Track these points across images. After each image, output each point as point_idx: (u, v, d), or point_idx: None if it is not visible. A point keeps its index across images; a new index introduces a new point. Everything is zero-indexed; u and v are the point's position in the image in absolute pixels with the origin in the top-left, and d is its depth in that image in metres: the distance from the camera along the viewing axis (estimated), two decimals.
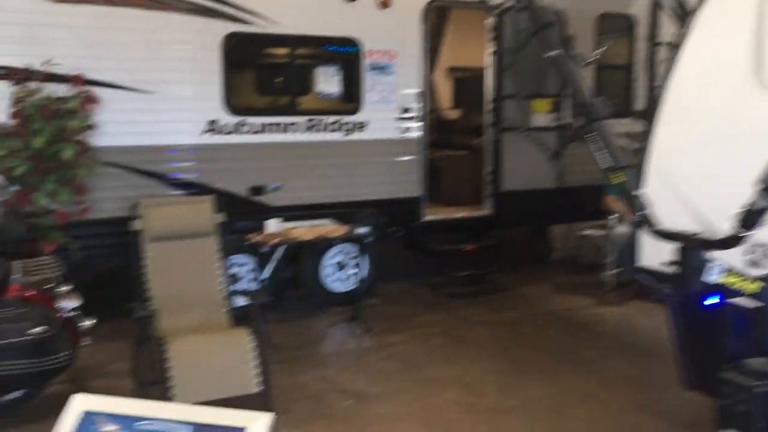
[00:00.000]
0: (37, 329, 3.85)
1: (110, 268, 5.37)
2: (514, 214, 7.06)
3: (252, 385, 4.06)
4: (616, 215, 6.47)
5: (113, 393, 4.52)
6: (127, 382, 4.63)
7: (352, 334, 5.78)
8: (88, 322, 4.28)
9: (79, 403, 1.85)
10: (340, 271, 6.34)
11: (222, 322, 4.54)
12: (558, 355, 5.20)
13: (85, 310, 4.31)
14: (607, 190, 6.60)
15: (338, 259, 6.32)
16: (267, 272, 5.77)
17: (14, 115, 4.85)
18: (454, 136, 8.10)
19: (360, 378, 4.83)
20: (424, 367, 5.01)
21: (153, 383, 4.13)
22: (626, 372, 4.85)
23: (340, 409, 4.35)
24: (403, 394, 4.56)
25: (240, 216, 5.51)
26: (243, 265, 5.86)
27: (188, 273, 4.63)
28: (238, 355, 4.09)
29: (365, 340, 5.58)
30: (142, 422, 1.79)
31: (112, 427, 1.80)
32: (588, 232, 6.91)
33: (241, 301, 5.05)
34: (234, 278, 4.72)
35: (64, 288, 4.28)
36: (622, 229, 6.35)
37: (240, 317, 4.70)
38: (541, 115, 7.02)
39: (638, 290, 6.35)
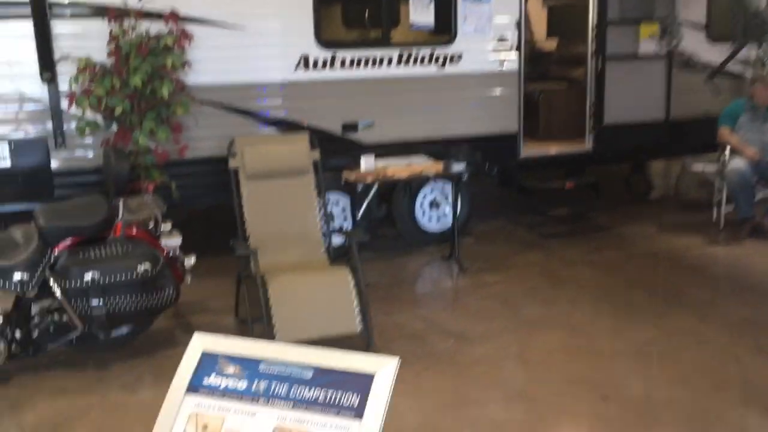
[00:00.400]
0: (144, 267, 3.88)
1: (208, 207, 5.40)
2: (616, 149, 6.71)
3: (353, 324, 4.01)
4: (730, 149, 6.06)
5: (216, 329, 4.59)
6: (229, 319, 4.69)
7: (447, 273, 5.67)
8: (189, 260, 4.30)
9: (198, 344, 1.79)
10: (434, 210, 6.20)
11: (320, 260, 4.49)
12: (667, 296, 4.94)
13: (184, 249, 4.33)
14: (722, 122, 6.17)
15: (432, 197, 6.18)
16: (361, 211, 5.68)
17: (111, 54, 4.84)
18: (551, 68, 7.72)
19: (459, 318, 4.73)
20: (524, 307, 4.85)
21: (254, 320, 4.14)
22: (744, 314, 4.57)
23: (441, 349, 4.27)
24: (504, 335, 4.43)
25: (333, 154, 5.40)
26: (336, 203, 5.79)
27: (286, 211, 4.58)
28: (339, 294, 4.03)
29: (461, 279, 5.46)
30: (264, 364, 1.72)
31: (233, 368, 1.73)
32: (699, 166, 6.50)
33: (336, 240, 4.99)
34: (328, 217, 4.66)
35: (166, 226, 4.30)
36: (738, 163, 5.94)
37: (336, 256, 4.65)
38: (649, 41, 6.56)
39: (754, 228, 5.97)
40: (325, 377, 1.66)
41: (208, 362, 1.76)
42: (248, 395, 1.69)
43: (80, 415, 3.64)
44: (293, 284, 4.04)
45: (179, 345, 4.38)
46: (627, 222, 6.68)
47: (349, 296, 4.02)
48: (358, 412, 1.59)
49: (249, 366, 1.73)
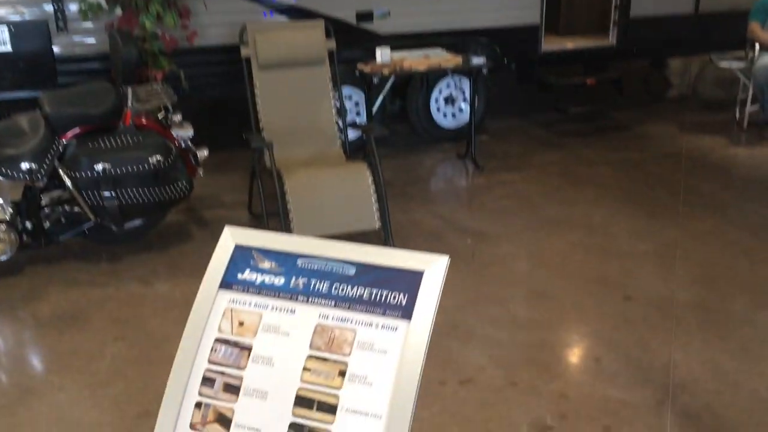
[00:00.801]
0: (157, 158, 3.74)
1: (219, 98, 5.20)
2: (641, 44, 6.43)
3: (372, 221, 3.92)
4: (759, 45, 5.80)
5: (230, 224, 4.51)
6: (242, 214, 4.60)
7: (463, 171, 5.53)
8: (202, 153, 4.16)
9: (230, 237, 1.67)
10: (450, 106, 6.00)
11: (336, 155, 4.35)
12: (690, 198, 4.82)
13: (195, 141, 4.18)
14: (753, 17, 5.88)
15: (448, 92, 5.96)
16: (376, 105, 5.48)
17: None
18: None
19: (477, 216, 4.63)
20: (543, 207, 4.75)
21: (269, 216, 4.04)
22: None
23: (459, 247, 4.19)
24: (524, 234, 4.34)
25: (346, 45, 5.15)
26: (349, 98, 5.59)
27: (300, 103, 4.40)
28: (358, 190, 3.91)
29: (478, 177, 5.33)
30: (302, 259, 1.60)
31: (269, 263, 1.62)
32: (726, 63, 6.24)
33: (351, 135, 4.83)
34: (343, 111, 4.47)
35: (177, 117, 4.13)
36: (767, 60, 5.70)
37: (351, 151, 4.50)
38: None
39: None
40: (369, 275, 1.56)
41: (242, 257, 1.65)
42: (286, 292, 1.58)
43: (96, 306, 3.59)
44: (311, 179, 3.91)
45: (193, 240, 4.31)
46: (646, 121, 6.50)
47: (368, 192, 3.90)
48: (406, 312, 1.49)
49: (286, 261, 1.62)
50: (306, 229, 3.78)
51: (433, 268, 1.52)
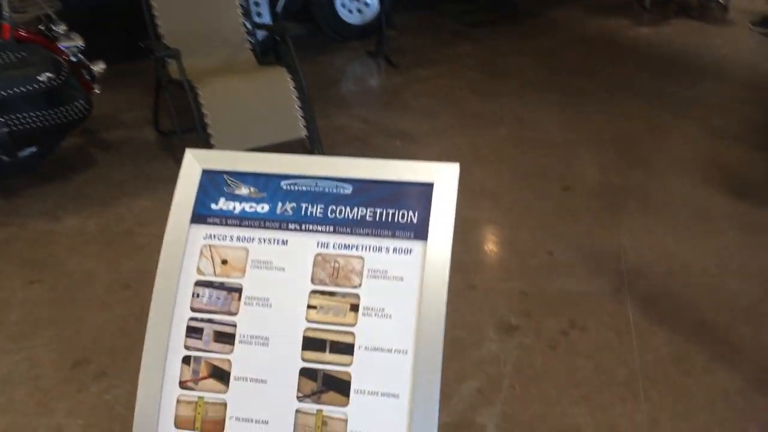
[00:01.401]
0: (47, 75, 3.29)
1: (104, 3, 4.66)
2: None
3: (297, 128, 3.65)
4: None
5: (135, 145, 4.12)
6: (149, 132, 4.21)
7: (377, 70, 5.28)
8: (97, 67, 3.71)
9: (195, 161, 1.41)
10: (355, 1, 5.66)
11: (248, 61, 4.00)
12: (609, 82, 4.80)
13: (87, 55, 3.72)
14: None
15: None
16: (280, 4, 5.07)
17: None
18: None
19: (401, 117, 4.43)
20: (466, 102, 4.60)
21: (183, 132, 3.69)
22: (687, 95, 4.51)
23: (389, 150, 4.00)
24: (452, 132, 4.20)
25: None
26: None
27: (200, 3, 3.97)
28: (279, 97, 3.62)
29: (394, 75, 5.10)
30: (286, 181, 1.37)
31: (247, 188, 1.38)
32: None
33: (259, 36, 4.45)
34: (249, 11, 4.07)
35: (62, 28, 3.64)
36: None
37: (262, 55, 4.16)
38: None
39: (680, 7, 5.83)
40: (369, 192, 1.35)
41: (212, 184, 1.40)
42: (273, 220, 1.36)
43: (1, 247, 3.20)
44: (227, 88, 3.57)
45: (97, 165, 3.91)
46: (552, 6, 6.39)
47: (290, 98, 3.62)
48: (420, 230, 1.30)
49: (267, 185, 1.38)
50: (227, 144, 3.47)
51: (443, 178, 1.33)
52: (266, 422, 1.27)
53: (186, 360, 1.31)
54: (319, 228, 1.34)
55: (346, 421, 1.25)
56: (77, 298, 2.87)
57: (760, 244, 3.05)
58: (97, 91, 3.84)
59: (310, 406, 1.26)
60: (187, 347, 1.32)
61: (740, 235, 3.12)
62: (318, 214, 1.34)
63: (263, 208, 1.37)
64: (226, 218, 1.37)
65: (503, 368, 2.44)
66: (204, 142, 3.48)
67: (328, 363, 1.27)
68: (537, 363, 2.47)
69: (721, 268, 2.92)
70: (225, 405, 1.29)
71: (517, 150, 3.95)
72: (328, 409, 1.26)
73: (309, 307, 1.30)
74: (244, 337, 1.30)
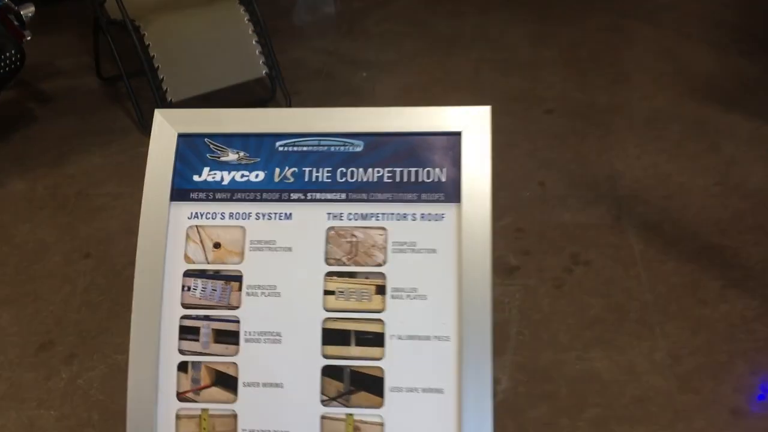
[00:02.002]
0: None
1: None
2: None
3: (256, 67, 3.34)
4: None
5: (77, 95, 3.76)
6: (91, 80, 3.85)
7: None
8: (26, 11, 3.31)
9: (167, 124, 1.15)
10: None
11: None
12: None
13: None
14: None
15: None
16: None
17: None
18: None
19: (364, 46, 4.14)
20: (430, 25, 4.31)
21: (129, 77, 3.36)
22: (663, 1, 4.30)
23: (356, 83, 3.73)
24: (421, 58, 3.93)
25: None
26: None
27: None
28: (234, 32, 3.30)
29: (351, 1, 4.75)
30: (282, 141, 1.13)
31: (236, 153, 1.14)
32: None
33: None
34: None
35: None
36: None
37: None
38: None
39: None
40: (384, 148, 1.12)
41: (192, 150, 1.15)
42: (272, 190, 1.12)
43: None
44: (175, 26, 3.23)
45: (37, 120, 3.56)
46: None
47: (247, 34, 3.30)
48: (451, 191, 1.09)
49: (259, 147, 1.14)
50: (181, 90, 3.17)
51: (472, 125, 1.11)
52: None
53: (182, 367, 1.09)
54: (329, 196, 1.11)
55: (382, 424, 1.05)
56: (33, 273, 2.60)
57: (758, 157, 2.91)
58: (29, 38, 3.44)
59: (338, 411, 1.06)
60: (182, 351, 1.10)
61: (736, 148, 2.98)
62: (325, 178, 1.11)
63: (258, 176, 1.13)
64: (213, 192, 1.13)
65: (509, 314, 2.28)
66: (155, 88, 3.16)
67: (355, 358, 1.07)
68: (544, 305, 2.31)
69: (722, 186, 2.78)
70: (235, 416, 1.08)
71: (492, 73, 3.71)
72: (359, 413, 1.06)
73: (326, 292, 1.08)
74: (250, 334, 1.09)
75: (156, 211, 1.12)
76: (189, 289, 1.10)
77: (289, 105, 3.38)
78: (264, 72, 3.32)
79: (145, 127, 3.29)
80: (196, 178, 1.14)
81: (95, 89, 3.77)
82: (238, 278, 1.10)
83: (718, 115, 3.21)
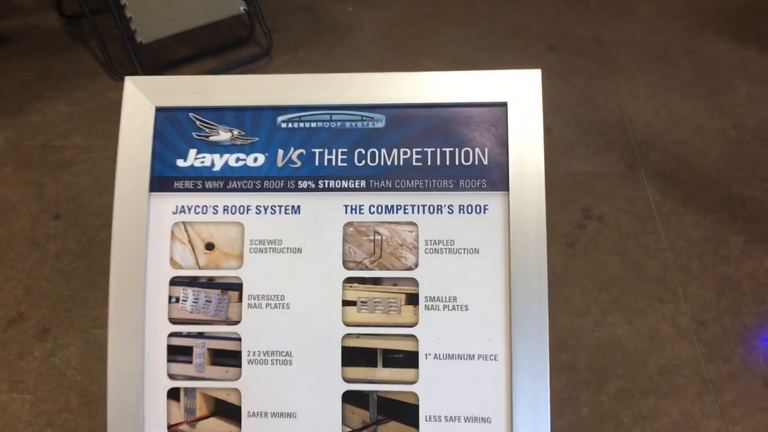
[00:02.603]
0: None
1: None
2: None
3: (235, 3, 3.05)
4: None
5: (37, 35, 3.45)
6: (52, 19, 3.52)
7: None
8: None
9: (142, 96, 0.93)
10: None
11: None
12: None
13: None
14: None
15: None
16: None
17: None
18: None
19: None
20: None
21: (94, 14, 3.06)
22: None
23: (341, 18, 3.45)
24: None
25: None
26: None
27: None
28: None
29: None
30: (285, 115, 0.92)
31: (228, 131, 0.92)
32: None
33: None
34: None
35: None
36: None
37: None
38: None
39: None
40: (412, 123, 0.91)
41: (174, 128, 0.93)
42: (275, 177, 0.91)
43: None
44: None
45: None
46: None
47: None
48: (496, 177, 0.89)
49: (257, 123, 0.92)
50: (152, 29, 2.88)
51: (521, 94, 0.90)
52: None
53: (173, 394, 0.90)
54: (345, 184, 0.90)
55: None
56: None
57: None
58: None
59: None
60: (172, 376, 0.90)
61: (753, 87, 2.78)
62: (340, 162, 0.90)
63: (256, 159, 0.92)
64: (202, 180, 0.92)
65: None
66: (122, 27, 2.88)
67: (384, 382, 0.88)
68: (557, 266, 2.14)
69: (740, 129, 2.59)
70: None
71: (487, 7, 3.45)
72: None
73: (345, 303, 0.89)
74: (254, 354, 0.90)
75: (132, 206, 0.91)
76: (177, 300, 0.90)
77: (270, 44, 3.12)
78: (242, 8, 3.04)
79: (113, 71, 3.02)
80: (180, 163, 0.92)
81: (57, 28, 3.45)
82: (238, 287, 0.90)
83: (731, 50, 3.00)
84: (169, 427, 0.90)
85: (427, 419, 0.88)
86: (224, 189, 0.92)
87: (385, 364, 0.88)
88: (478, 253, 0.88)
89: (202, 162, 0.92)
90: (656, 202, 2.32)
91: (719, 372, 1.84)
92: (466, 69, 0.92)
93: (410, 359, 0.88)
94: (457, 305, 0.88)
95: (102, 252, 2.30)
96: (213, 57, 3.13)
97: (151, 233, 0.91)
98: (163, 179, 0.92)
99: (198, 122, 0.93)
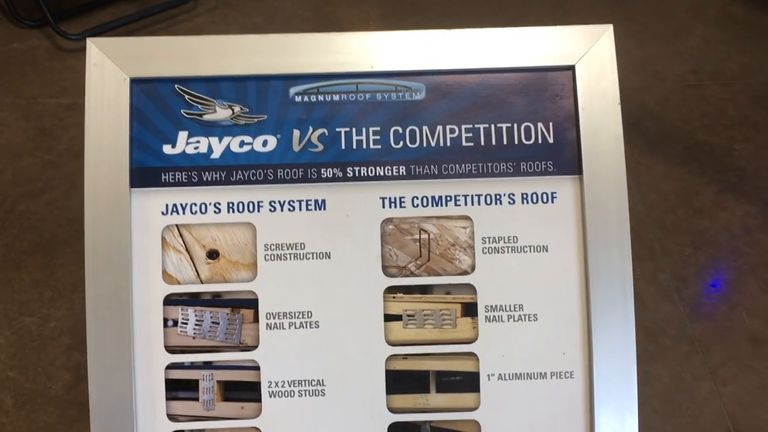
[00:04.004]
0: None
1: None
2: None
3: None
4: None
5: None
6: None
7: None
8: None
9: (110, 62, 0.72)
10: None
11: None
12: None
13: None
14: None
15: None
16: None
17: None
18: None
19: None
20: None
21: None
22: None
23: None
24: None
25: None
26: None
27: None
28: None
29: None
30: (301, 87, 0.73)
31: (227, 107, 0.73)
32: None
33: None
34: None
35: None
36: None
37: None
38: None
39: None
40: (457, 94, 0.74)
41: (157, 105, 0.73)
42: (290, 165, 0.73)
43: None
44: None
45: None
46: None
47: None
48: (564, 158, 0.73)
49: (264, 96, 0.73)
50: None
51: (592, 55, 0.74)
52: None
53: None
54: (380, 171, 0.73)
55: None
56: None
57: (731, 39, 2.66)
58: None
59: None
60: (173, 417, 0.72)
61: (708, 29, 2.71)
62: (372, 144, 0.73)
63: (266, 143, 0.73)
64: (198, 171, 0.72)
65: None
66: None
67: (438, 410, 0.73)
68: None
69: (699, 74, 2.52)
70: None
71: None
72: None
73: (388, 318, 0.72)
74: (277, 385, 0.72)
75: (108, 207, 0.71)
76: (175, 323, 0.72)
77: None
78: None
79: (17, 17, 2.66)
80: (167, 149, 0.72)
81: None
82: (252, 303, 0.72)
83: None
84: None
85: None
86: (227, 181, 0.73)
87: (439, 389, 0.73)
88: (546, 251, 0.73)
89: (197, 148, 0.72)
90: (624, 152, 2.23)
91: (705, 331, 1.78)
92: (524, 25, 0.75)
93: (469, 382, 0.73)
94: (524, 315, 0.73)
95: (23, 227, 2.04)
96: (130, 0, 2.82)
97: (136, 241, 0.71)
98: (146, 171, 0.72)
99: (187, 97, 0.72)
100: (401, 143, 0.73)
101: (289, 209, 0.72)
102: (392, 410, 0.73)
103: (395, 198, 0.73)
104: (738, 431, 1.61)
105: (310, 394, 0.72)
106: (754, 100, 2.40)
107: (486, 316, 0.72)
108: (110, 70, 0.71)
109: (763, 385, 1.68)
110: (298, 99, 0.73)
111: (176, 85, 0.72)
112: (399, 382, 0.72)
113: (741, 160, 2.21)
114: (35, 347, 1.79)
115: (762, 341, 1.76)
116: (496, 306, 0.72)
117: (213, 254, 0.72)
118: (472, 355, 0.73)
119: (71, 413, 1.64)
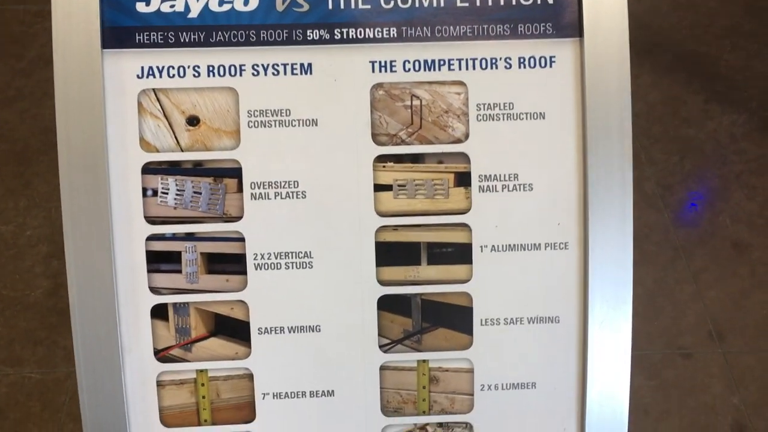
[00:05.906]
0: None
1: None
2: None
3: None
4: None
5: None
6: None
7: None
8: None
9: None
10: None
11: None
12: None
13: None
14: None
15: None
16: None
17: None
18: None
19: None
20: None
21: None
22: None
23: None
24: None
25: None
26: None
27: None
28: None
29: None
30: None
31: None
32: None
33: None
34: None
35: None
36: None
37: None
38: None
39: None
40: None
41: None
42: (273, 26, 0.69)
43: None
44: None
45: None
46: None
47: None
48: (564, 18, 0.70)
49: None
50: None
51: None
52: (332, 393, 0.73)
53: (159, 312, 0.70)
54: (370, 33, 0.69)
55: (472, 371, 0.73)
56: None
57: None
58: None
59: (406, 357, 0.73)
60: (155, 290, 0.70)
61: None
62: (361, 4, 0.68)
63: (247, 2, 0.68)
64: (175, 31, 0.68)
65: None
66: None
67: (429, 282, 0.72)
68: None
69: None
70: (250, 377, 0.72)
71: None
72: (438, 357, 0.73)
73: (378, 187, 0.70)
74: (263, 257, 0.71)
75: (79, 69, 0.66)
76: (155, 193, 0.69)
77: None
78: None
79: None
80: (141, 7, 0.67)
81: None
82: (235, 172, 0.69)
83: None
84: (157, 352, 0.71)
85: (483, 323, 0.72)
86: (207, 43, 0.68)
87: (431, 261, 0.71)
88: (543, 118, 0.70)
89: (173, 6, 0.68)
90: None
91: (689, 237, 1.79)
92: None
93: (461, 253, 0.71)
94: (519, 184, 0.70)
95: None
96: None
97: (110, 105, 0.67)
98: (119, 30, 0.67)
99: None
100: (392, 3, 0.68)
101: (273, 73, 0.68)
102: (382, 283, 0.71)
103: (386, 61, 0.69)
104: (719, 333, 1.62)
105: (297, 266, 0.70)
106: (746, 9, 2.35)
107: (480, 186, 0.70)
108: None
109: (745, 289, 1.69)
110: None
111: None
112: (389, 253, 0.70)
113: (730, 70, 2.18)
114: (12, 255, 1.76)
115: (745, 246, 1.76)
116: (490, 175, 0.70)
117: (193, 120, 0.68)
118: (464, 226, 0.70)
119: (52, 319, 1.61)
